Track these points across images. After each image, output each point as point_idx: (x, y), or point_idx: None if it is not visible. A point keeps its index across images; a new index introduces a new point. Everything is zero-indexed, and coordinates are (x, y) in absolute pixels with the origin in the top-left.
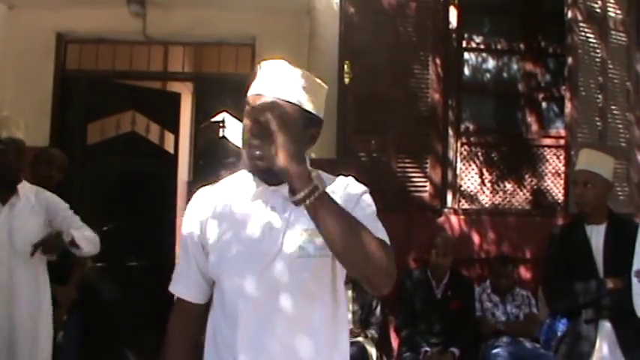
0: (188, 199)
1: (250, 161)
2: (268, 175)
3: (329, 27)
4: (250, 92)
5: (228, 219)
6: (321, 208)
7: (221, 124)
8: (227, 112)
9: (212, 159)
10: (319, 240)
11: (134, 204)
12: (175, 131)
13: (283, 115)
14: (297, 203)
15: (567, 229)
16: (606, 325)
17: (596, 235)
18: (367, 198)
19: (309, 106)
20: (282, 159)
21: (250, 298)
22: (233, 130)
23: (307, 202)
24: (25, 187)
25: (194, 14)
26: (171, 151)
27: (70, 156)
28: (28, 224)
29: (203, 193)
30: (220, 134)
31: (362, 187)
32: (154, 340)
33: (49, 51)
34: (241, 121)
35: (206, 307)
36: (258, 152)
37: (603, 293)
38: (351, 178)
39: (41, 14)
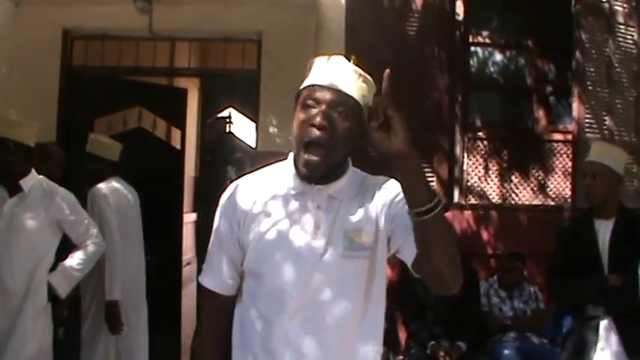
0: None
1: (308, 155)
2: (315, 174)
3: (335, 22)
4: (309, 83)
5: (271, 215)
6: (438, 221)
7: (227, 120)
8: (233, 107)
9: (219, 155)
10: (360, 240)
11: (140, 200)
12: (182, 127)
13: (348, 110)
14: (419, 214)
15: (576, 223)
16: (609, 323)
17: (604, 229)
18: None
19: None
20: (401, 143)
21: (293, 296)
22: (239, 125)
23: (430, 215)
24: (39, 182)
25: (200, 10)
26: (178, 146)
27: (77, 152)
28: (31, 219)
29: (241, 185)
30: (227, 130)
31: None
32: (158, 335)
33: (56, 47)
34: (247, 116)
35: (235, 298)
36: (319, 147)
37: (605, 290)
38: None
39: (47, 11)
